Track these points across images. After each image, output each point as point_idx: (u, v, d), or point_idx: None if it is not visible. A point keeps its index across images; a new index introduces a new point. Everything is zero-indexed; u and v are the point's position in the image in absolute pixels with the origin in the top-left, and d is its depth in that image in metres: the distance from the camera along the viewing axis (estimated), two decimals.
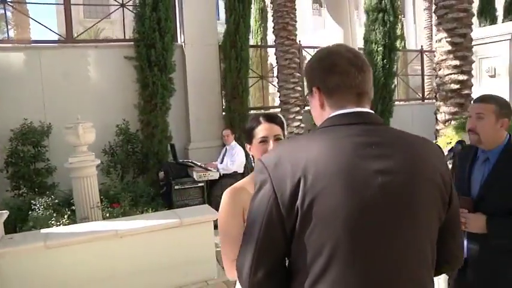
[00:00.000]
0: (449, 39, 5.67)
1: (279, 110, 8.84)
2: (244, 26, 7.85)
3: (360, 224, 1.06)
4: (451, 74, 5.74)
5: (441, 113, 5.93)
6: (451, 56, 5.70)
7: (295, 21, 8.44)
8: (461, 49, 5.69)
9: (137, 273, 3.87)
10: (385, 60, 9.38)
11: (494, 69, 7.24)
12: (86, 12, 26.30)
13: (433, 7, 6.24)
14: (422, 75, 11.67)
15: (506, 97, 7.01)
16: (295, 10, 8.43)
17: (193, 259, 4.16)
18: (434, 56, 6.13)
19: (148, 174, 6.93)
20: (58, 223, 4.45)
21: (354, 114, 1.19)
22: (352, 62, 1.22)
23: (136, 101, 7.06)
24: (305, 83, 1.79)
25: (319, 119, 1.27)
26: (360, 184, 1.08)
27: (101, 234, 3.76)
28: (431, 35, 14.00)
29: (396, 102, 10.19)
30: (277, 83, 8.73)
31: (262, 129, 1.80)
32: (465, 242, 2.00)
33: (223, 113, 8.16)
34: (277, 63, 8.62)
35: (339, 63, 1.21)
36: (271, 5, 8.43)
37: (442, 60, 5.82)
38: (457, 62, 5.69)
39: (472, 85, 5.81)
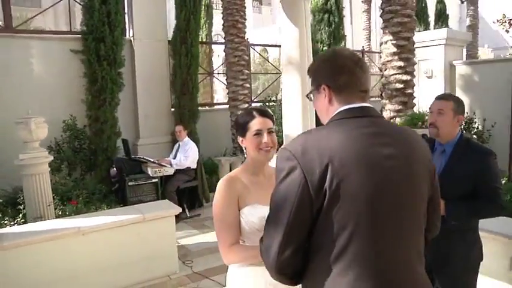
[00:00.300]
0: (394, 42, 6.12)
1: (227, 106, 8.96)
2: (195, 23, 7.86)
3: (377, 200, 1.26)
4: (396, 74, 6.20)
5: (386, 110, 6.38)
6: (396, 57, 6.16)
7: (245, 19, 8.61)
8: (405, 51, 6.17)
9: (100, 270, 3.81)
10: None
11: (432, 70, 7.89)
12: None
13: (375, 10, 6.64)
14: None
15: None
16: (245, 8, 8.59)
17: (155, 254, 4.16)
18: (380, 57, 6.55)
19: (98, 171, 6.74)
20: (12, 223, 4.23)
21: (360, 109, 1.38)
22: (357, 63, 1.41)
23: (84, 96, 6.81)
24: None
25: (324, 112, 1.46)
26: (376, 167, 1.27)
27: (63, 232, 3.65)
28: (370, 36, 14.88)
29: None
30: (226, 79, 8.83)
31: (256, 123, 1.88)
32: None
33: (173, 109, 8.12)
34: (226, 60, 8.72)
35: (347, 64, 1.40)
36: (221, 2, 8.48)
37: (387, 61, 6.26)
38: (401, 63, 6.16)
39: (415, 85, 6.30)
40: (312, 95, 1.51)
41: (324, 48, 9.71)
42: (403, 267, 1.31)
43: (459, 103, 2.44)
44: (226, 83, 8.91)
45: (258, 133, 1.87)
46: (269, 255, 1.30)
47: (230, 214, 1.81)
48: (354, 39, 20.02)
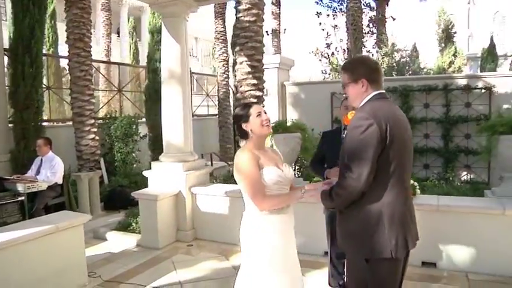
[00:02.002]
0: (249, 63, 7.12)
1: (71, 123, 8.49)
2: (40, 32, 7.31)
3: (404, 145, 2.12)
4: (250, 90, 7.18)
5: None
6: (251, 76, 7.16)
7: (91, 33, 8.41)
8: (258, 71, 7.24)
9: None
10: None
11: (267, 90, 9.26)
12: None
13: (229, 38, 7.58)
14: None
15: (275, 111, 8.99)
16: (91, 22, 8.40)
17: (66, 267, 3.93)
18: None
19: None
20: None
21: (383, 93, 2.23)
22: (379, 66, 2.28)
23: None
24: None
25: (359, 96, 2.23)
26: (402, 127, 2.13)
27: None
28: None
29: None
30: (70, 94, 8.38)
31: (255, 108, 2.55)
32: None
33: (11, 125, 7.28)
34: (71, 74, 8.30)
35: (377, 66, 2.27)
36: (66, 14, 8.09)
37: (243, 79, 7.21)
38: (255, 81, 7.19)
39: (264, 99, 7.41)
40: (349, 85, 2.26)
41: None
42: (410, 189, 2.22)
43: None
44: (61, 97, 8.42)
45: (259, 114, 2.52)
46: (360, 180, 1.99)
47: (258, 173, 2.39)
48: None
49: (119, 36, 26.31)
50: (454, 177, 7.96)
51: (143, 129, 10.12)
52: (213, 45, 13.59)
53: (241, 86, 7.29)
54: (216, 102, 13.47)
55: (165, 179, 5.54)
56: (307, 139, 5.99)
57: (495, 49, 16.31)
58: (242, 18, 7.19)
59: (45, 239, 3.74)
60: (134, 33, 17.36)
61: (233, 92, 13.43)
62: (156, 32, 10.18)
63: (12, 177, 5.61)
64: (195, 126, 11.56)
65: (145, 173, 5.82)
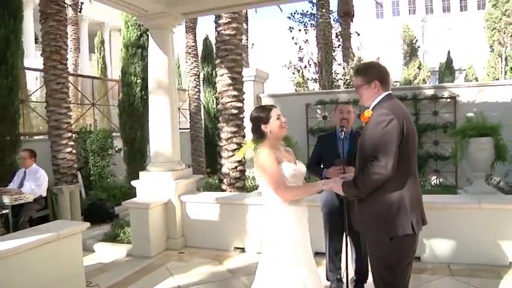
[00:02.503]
0: (229, 75, 7.29)
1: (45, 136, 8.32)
2: (16, 42, 7.19)
3: (415, 141, 2.41)
4: (231, 101, 7.34)
5: (224, 132, 7.43)
6: (231, 87, 7.32)
7: (67, 46, 8.35)
8: (238, 83, 7.42)
9: None
10: (143, 92, 10.28)
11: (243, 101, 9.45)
12: None
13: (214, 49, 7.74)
14: None
15: None
16: (67, 34, 8.34)
17: (65, 276, 3.89)
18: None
19: None
20: None
21: (391, 94, 2.50)
22: (388, 69, 2.54)
23: None
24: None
25: (371, 96, 2.48)
26: (411, 124, 2.40)
27: None
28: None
29: None
30: (47, 107, 8.24)
31: (275, 111, 2.77)
32: None
33: None
34: (47, 87, 8.17)
35: (387, 70, 2.53)
36: (41, 26, 8.00)
37: (224, 91, 7.36)
38: (235, 93, 7.36)
39: (244, 111, 7.58)
40: (362, 86, 2.52)
41: (138, 81, 10.11)
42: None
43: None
44: (34, 110, 8.27)
45: (279, 117, 2.74)
46: (388, 168, 2.23)
47: (278, 168, 2.61)
48: None
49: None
50: (425, 182, 8.41)
51: (118, 143, 10.04)
52: (185, 60, 13.67)
53: (222, 98, 7.44)
54: (188, 117, 13.55)
55: (154, 188, 5.58)
56: (292, 146, 6.27)
57: (452, 63, 17.47)
58: (222, 31, 7.38)
59: (47, 247, 3.70)
60: (102, 48, 17.19)
61: (203, 106, 13.59)
62: (130, 46, 10.16)
63: None
64: None
65: (133, 183, 5.82)
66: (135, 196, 5.77)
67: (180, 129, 13.98)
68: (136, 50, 10.21)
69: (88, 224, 4.30)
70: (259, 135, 2.75)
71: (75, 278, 4.05)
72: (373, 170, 2.27)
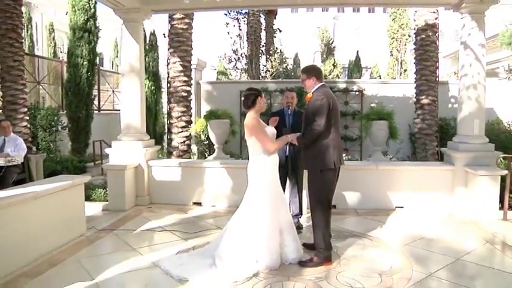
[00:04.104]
0: (181, 63, 8.54)
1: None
2: None
3: (338, 112, 4.07)
4: (181, 86, 8.61)
5: (175, 111, 8.69)
6: (182, 74, 8.59)
7: (23, 25, 8.88)
8: (187, 70, 8.71)
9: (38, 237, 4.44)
10: (89, 73, 11.00)
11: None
12: None
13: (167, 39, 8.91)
14: (99, 89, 13.65)
15: (192, 105, 10.42)
16: (23, 13, 8.86)
17: (71, 218, 4.94)
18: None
19: None
20: None
21: (324, 84, 4.12)
22: (320, 69, 4.25)
23: None
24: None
25: (311, 86, 4.08)
26: (337, 102, 4.06)
27: (18, 198, 4.07)
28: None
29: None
30: (2, 83, 8.72)
31: (261, 96, 4.17)
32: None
33: None
34: (2, 63, 8.65)
35: (320, 70, 4.22)
36: None
37: (176, 76, 8.61)
38: (185, 78, 8.65)
39: (192, 94, 8.89)
40: (306, 80, 4.06)
41: (85, 63, 10.80)
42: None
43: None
44: None
45: (262, 97, 4.17)
46: (321, 126, 3.82)
47: (263, 128, 4.03)
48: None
49: None
50: None
51: (63, 121, 10.67)
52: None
53: (174, 82, 8.67)
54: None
55: (125, 155, 6.68)
56: (234, 123, 7.81)
57: (360, 61, 20.24)
58: (176, 25, 8.58)
59: (63, 193, 4.77)
60: (30, 26, 16.94)
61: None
62: (78, 29, 10.74)
63: None
64: (103, 120, 12.42)
65: (107, 150, 6.87)
66: (85, 169, 6.83)
67: (114, 110, 14.86)
68: (83, 33, 10.83)
69: (89, 177, 5.36)
70: (251, 104, 4.06)
71: (78, 219, 5.15)
72: (313, 127, 3.82)
